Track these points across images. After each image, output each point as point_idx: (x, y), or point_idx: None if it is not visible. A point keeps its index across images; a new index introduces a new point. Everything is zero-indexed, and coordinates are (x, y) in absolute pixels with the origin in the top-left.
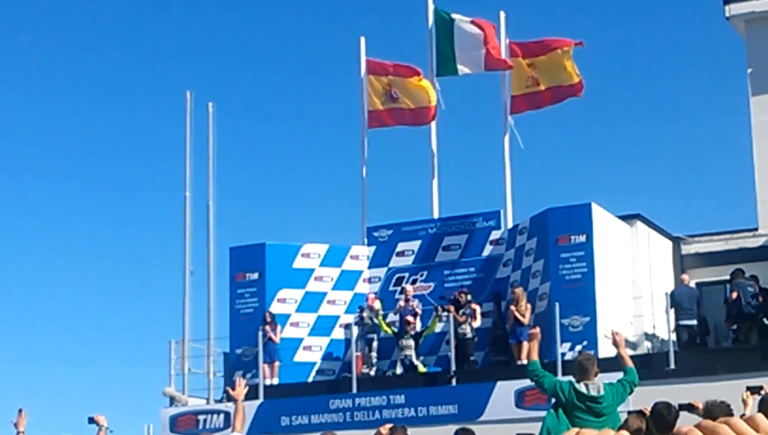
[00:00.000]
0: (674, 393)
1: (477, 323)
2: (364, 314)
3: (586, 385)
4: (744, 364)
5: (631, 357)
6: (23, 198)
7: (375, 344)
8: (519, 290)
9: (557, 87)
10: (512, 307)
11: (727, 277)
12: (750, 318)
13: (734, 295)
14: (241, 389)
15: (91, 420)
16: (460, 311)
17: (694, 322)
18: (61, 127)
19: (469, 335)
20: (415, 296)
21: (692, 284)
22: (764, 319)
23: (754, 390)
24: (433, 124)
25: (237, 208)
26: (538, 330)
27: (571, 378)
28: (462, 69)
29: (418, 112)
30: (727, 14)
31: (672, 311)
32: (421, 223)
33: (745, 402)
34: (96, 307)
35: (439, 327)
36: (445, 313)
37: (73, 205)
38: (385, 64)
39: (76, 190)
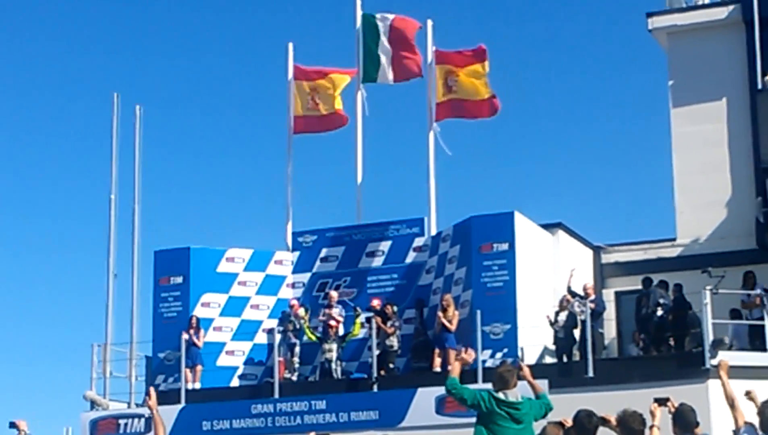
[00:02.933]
0: (593, 401)
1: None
2: (288, 320)
3: (505, 394)
4: (660, 374)
5: (551, 365)
6: None
7: (297, 349)
8: (448, 297)
9: (475, 101)
10: (440, 314)
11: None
12: (659, 327)
13: (644, 299)
14: (154, 400)
15: (12, 425)
16: (388, 323)
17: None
18: None
19: (395, 347)
20: (338, 302)
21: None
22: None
23: (661, 401)
24: (359, 129)
25: (162, 212)
26: (472, 355)
27: (489, 388)
28: (381, 77)
29: (332, 117)
30: (650, 26)
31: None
32: (345, 229)
33: (652, 413)
34: (18, 308)
35: (362, 333)
36: (363, 316)
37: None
38: (315, 69)
39: (1, 189)
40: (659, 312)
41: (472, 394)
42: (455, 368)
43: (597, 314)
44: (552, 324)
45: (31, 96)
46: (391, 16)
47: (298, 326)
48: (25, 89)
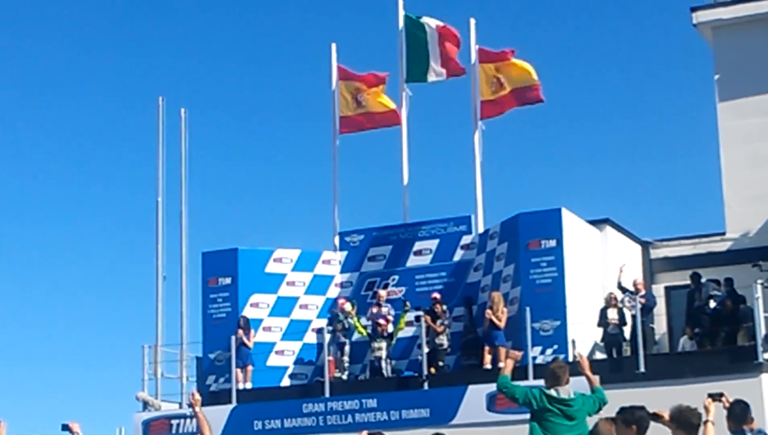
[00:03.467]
0: (644, 397)
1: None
2: (337, 319)
3: (557, 390)
4: (712, 369)
5: (601, 360)
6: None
7: (347, 348)
8: (497, 294)
9: (521, 88)
10: (489, 311)
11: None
12: (713, 321)
13: (698, 294)
14: (197, 399)
15: (65, 427)
16: (438, 322)
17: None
18: (34, 132)
19: (445, 346)
20: (387, 301)
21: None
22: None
23: (714, 397)
24: (404, 129)
25: (209, 213)
26: (520, 354)
27: (541, 384)
28: (431, 75)
29: (384, 116)
30: (695, 21)
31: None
32: (393, 228)
33: (707, 408)
34: (69, 312)
35: (410, 330)
36: (413, 314)
37: (47, 210)
38: (353, 73)
39: (50, 194)
40: (712, 305)
41: (523, 392)
42: (507, 367)
43: (647, 309)
44: (601, 322)
45: (77, 101)
46: (434, 24)
47: (347, 325)
48: (72, 94)
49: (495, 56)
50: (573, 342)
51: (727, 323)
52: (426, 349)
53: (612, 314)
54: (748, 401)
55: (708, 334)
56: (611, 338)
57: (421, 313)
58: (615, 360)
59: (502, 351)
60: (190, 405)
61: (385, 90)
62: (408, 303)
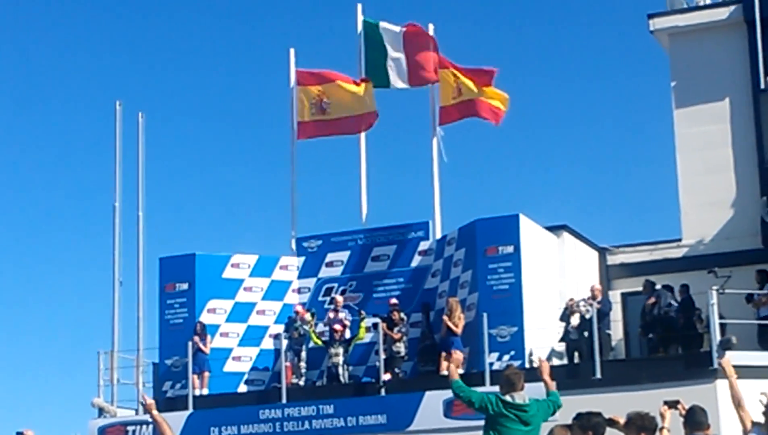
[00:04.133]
0: (600, 403)
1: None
2: (294, 326)
3: (512, 396)
4: (668, 375)
5: (558, 366)
6: None
7: (304, 354)
8: (453, 300)
9: (480, 101)
10: (445, 317)
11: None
12: (666, 325)
13: (651, 300)
14: (150, 402)
15: (20, 434)
16: (395, 329)
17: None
18: None
19: (402, 353)
20: (344, 307)
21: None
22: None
23: (671, 404)
24: (363, 134)
25: (167, 219)
26: (461, 356)
27: (497, 391)
28: (393, 82)
29: (350, 121)
30: (651, 28)
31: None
32: (350, 234)
33: (662, 415)
34: (24, 317)
35: (367, 337)
36: (369, 321)
37: (5, 213)
38: (319, 72)
39: (5, 198)
40: (670, 311)
41: (479, 397)
42: (453, 371)
43: (603, 314)
44: (565, 326)
45: (33, 104)
46: (398, 29)
47: (302, 332)
48: (28, 97)
49: (456, 67)
50: (531, 353)
51: (683, 330)
52: (383, 356)
53: (574, 320)
54: (704, 407)
55: (662, 341)
56: (573, 343)
57: (378, 320)
58: (571, 366)
59: (453, 357)
60: (146, 410)
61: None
62: (363, 312)
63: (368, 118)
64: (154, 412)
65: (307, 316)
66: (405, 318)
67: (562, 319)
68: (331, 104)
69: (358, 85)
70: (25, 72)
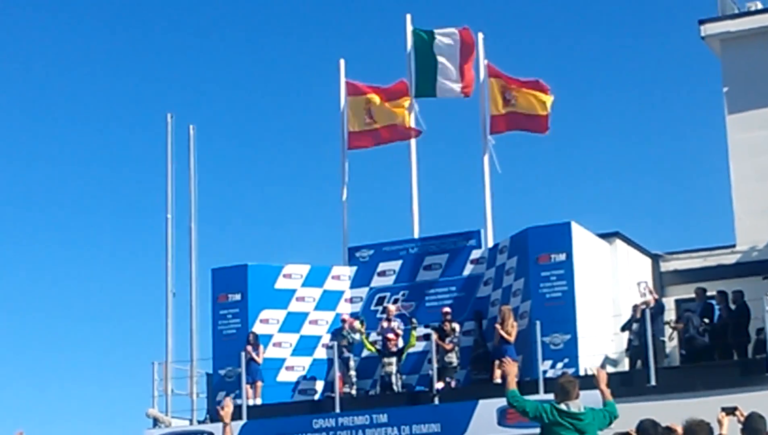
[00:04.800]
0: (655, 410)
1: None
2: (341, 335)
3: (567, 404)
4: (723, 381)
5: (612, 374)
6: (10, 223)
7: (352, 363)
8: (506, 308)
9: (532, 115)
10: (498, 326)
11: (708, 294)
12: (700, 347)
13: (680, 325)
14: (228, 410)
15: None
16: (446, 339)
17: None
18: (43, 149)
19: (454, 364)
20: (396, 316)
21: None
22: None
23: (728, 411)
24: (413, 144)
25: (219, 230)
26: (515, 365)
27: (551, 399)
28: (440, 90)
29: (395, 130)
30: (703, 34)
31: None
32: (402, 243)
33: (720, 422)
34: (79, 329)
35: (420, 346)
36: (421, 330)
37: (57, 227)
38: (361, 85)
39: (60, 212)
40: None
41: (533, 406)
42: (509, 381)
43: (657, 312)
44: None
45: (87, 118)
46: (456, 31)
47: (351, 341)
48: (81, 112)
49: (505, 77)
50: (586, 370)
51: (736, 337)
52: (436, 365)
53: (636, 326)
54: (762, 414)
55: (716, 346)
56: (635, 350)
57: (430, 331)
58: (626, 373)
59: (507, 367)
60: (202, 421)
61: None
62: (414, 320)
63: (409, 130)
64: (229, 422)
65: (356, 324)
66: (456, 328)
67: (624, 328)
68: (376, 113)
69: (400, 103)
70: (77, 85)
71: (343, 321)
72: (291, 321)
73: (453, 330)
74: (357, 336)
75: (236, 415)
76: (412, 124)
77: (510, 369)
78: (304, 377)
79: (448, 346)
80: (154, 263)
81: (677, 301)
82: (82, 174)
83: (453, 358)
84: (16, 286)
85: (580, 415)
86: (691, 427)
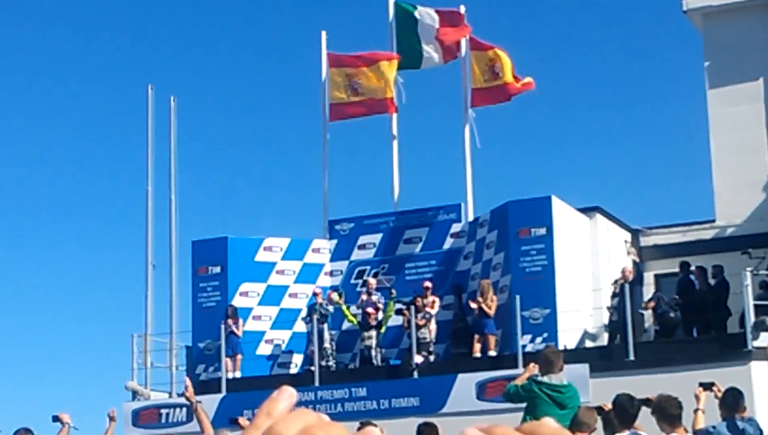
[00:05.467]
0: (633, 385)
1: (435, 310)
2: (314, 309)
3: (549, 377)
4: (702, 356)
5: (591, 349)
6: None
7: (327, 336)
8: (486, 282)
9: (511, 85)
10: (479, 299)
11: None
12: (670, 324)
13: (651, 304)
14: (191, 390)
15: (55, 418)
16: (419, 315)
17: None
18: (22, 121)
19: (428, 339)
20: (377, 289)
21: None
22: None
23: (706, 386)
24: (394, 116)
25: (199, 202)
26: (533, 367)
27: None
28: (425, 63)
29: (378, 102)
30: (685, 8)
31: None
32: (383, 216)
33: (697, 397)
34: (57, 301)
35: (399, 320)
36: (395, 299)
37: (35, 198)
38: (348, 56)
39: (38, 183)
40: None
41: (513, 386)
42: (521, 377)
43: (636, 281)
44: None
45: (64, 88)
46: (435, 14)
47: (324, 313)
48: (59, 81)
49: (485, 46)
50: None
51: (715, 311)
52: (414, 337)
53: (615, 301)
54: (740, 389)
55: (695, 322)
56: (614, 325)
57: (402, 305)
58: (604, 348)
59: (492, 339)
60: (181, 395)
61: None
62: (394, 291)
63: (390, 102)
64: (194, 399)
65: (335, 296)
66: (431, 302)
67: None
68: (362, 85)
69: (389, 61)
70: (54, 57)
71: (315, 295)
72: (271, 294)
73: (424, 306)
74: (332, 308)
75: (215, 388)
76: (394, 96)
77: (530, 371)
78: (284, 351)
79: (421, 322)
80: (135, 235)
81: (656, 276)
82: (62, 145)
83: (426, 333)
84: None
85: (561, 388)
86: (660, 403)
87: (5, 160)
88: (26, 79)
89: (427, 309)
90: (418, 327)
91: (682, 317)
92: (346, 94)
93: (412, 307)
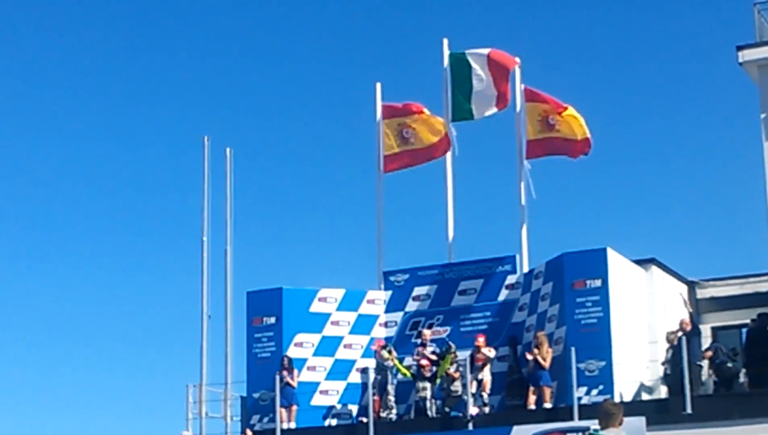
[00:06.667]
0: None
1: (487, 369)
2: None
3: (609, 431)
4: (760, 410)
5: (648, 402)
6: (45, 245)
7: (390, 387)
8: (541, 334)
9: (571, 140)
10: (535, 351)
11: (744, 321)
12: (728, 374)
13: (708, 353)
14: None
15: None
16: (452, 368)
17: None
18: (84, 173)
19: (459, 392)
20: (432, 341)
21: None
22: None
23: None
24: (449, 167)
25: (254, 253)
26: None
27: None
28: (477, 112)
29: (430, 148)
30: (740, 60)
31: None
32: (437, 268)
33: None
34: (115, 352)
35: (452, 368)
36: (454, 352)
37: (97, 249)
38: (403, 105)
39: (99, 234)
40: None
41: None
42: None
43: (693, 334)
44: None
45: (124, 141)
46: (486, 51)
47: (384, 366)
48: (118, 134)
49: (544, 99)
50: (621, 396)
51: None
52: (470, 387)
53: (671, 354)
54: None
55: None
56: (671, 377)
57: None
58: (662, 401)
59: (547, 391)
60: None
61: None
62: (452, 344)
63: (442, 144)
64: None
65: (384, 353)
66: (484, 355)
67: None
68: (413, 134)
69: (431, 115)
70: (116, 108)
71: (376, 351)
72: (325, 345)
73: (456, 357)
74: (389, 363)
75: None
76: (443, 138)
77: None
78: (339, 401)
79: (455, 375)
80: (190, 286)
81: (713, 329)
82: (120, 197)
83: (458, 386)
84: (54, 310)
85: None
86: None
87: (69, 212)
88: (87, 131)
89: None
90: (452, 380)
91: (746, 368)
92: (396, 144)
93: (467, 360)
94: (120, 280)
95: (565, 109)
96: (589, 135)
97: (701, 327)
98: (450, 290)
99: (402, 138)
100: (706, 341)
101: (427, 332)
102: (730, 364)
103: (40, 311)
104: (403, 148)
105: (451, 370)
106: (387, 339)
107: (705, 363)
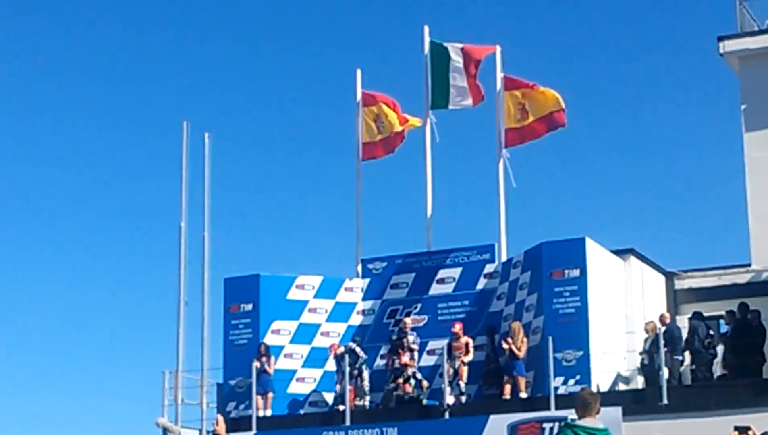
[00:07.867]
0: (668, 429)
1: (469, 357)
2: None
3: (585, 421)
4: (736, 401)
5: (624, 392)
6: (20, 230)
7: (365, 374)
8: (516, 324)
9: (544, 117)
10: (509, 341)
11: (720, 313)
12: (704, 360)
13: (686, 333)
14: (222, 426)
15: None
16: (403, 351)
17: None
18: (61, 157)
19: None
20: (412, 329)
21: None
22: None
23: (741, 430)
24: (428, 156)
25: (232, 239)
26: None
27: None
28: (453, 103)
29: (399, 134)
30: (722, 51)
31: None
32: (416, 256)
33: None
34: (89, 337)
35: (432, 360)
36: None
37: (71, 234)
38: (374, 94)
39: (73, 218)
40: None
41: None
42: None
43: (673, 339)
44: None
45: (102, 125)
46: (460, 45)
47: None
48: (96, 117)
49: (520, 84)
50: (598, 387)
51: (753, 356)
52: (447, 376)
53: (647, 344)
54: None
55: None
56: (647, 368)
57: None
58: (638, 392)
59: (521, 381)
60: (211, 432)
61: (400, 110)
62: (426, 384)
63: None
64: None
65: (358, 350)
66: (464, 344)
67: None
68: (384, 123)
69: (403, 122)
70: (93, 92)
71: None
72: (303, 332)
73: (415, 344)
74: (364, 355)
75: (246, 426)
76: (427, 135)
77: None
78: (315, 389)
79: (410, 362)
80: (167, 272)
81: (690, 320)
82: (97, 181)
83: (409, 372)
84: (27, 294)
85: (598, 432)
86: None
87: (43, 195)
88: (63, 115)
89: (466, 341)
90: (405, 366)
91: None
92: (375, 133)
93: (445, 350)
94: (96, 265)
95: (533, 85)
96: (563, 105)
97: (679, 317)
98: (428, 279)
99: (377, 127)
100: (684, 332)
101: (408, 320)
102: (707, 352)
103: (15, 295)
104: (379, 137)
105: (405, 358)
106: (364, 327)
107: (687, 356)
